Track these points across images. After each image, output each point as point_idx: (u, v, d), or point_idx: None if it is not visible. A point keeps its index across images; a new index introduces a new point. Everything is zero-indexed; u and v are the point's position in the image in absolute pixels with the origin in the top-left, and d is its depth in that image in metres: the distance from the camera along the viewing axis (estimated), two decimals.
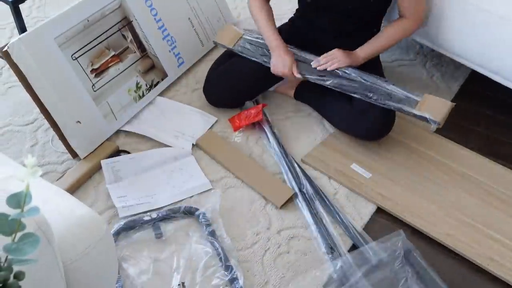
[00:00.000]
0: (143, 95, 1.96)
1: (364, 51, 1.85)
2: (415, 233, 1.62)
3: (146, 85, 1.98)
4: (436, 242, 1.60)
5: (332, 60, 1.82)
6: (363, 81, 1.79)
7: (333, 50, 1.84)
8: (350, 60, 1.82)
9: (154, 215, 1.61)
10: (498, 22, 1.75)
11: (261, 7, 1.92)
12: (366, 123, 1.78)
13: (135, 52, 1.94)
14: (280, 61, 1.83)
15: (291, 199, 1.68)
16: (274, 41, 1.87)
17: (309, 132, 1.92)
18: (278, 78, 1.95)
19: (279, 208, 1.65)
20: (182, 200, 1.68)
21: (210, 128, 1.91)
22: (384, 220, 1.66)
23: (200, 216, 1.61)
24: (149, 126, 1.91)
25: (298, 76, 1.83)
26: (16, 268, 0.67)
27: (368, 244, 1.54)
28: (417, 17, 1.84)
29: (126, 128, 1.90)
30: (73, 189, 1.68)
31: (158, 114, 1.96)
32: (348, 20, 1.84)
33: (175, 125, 1.91)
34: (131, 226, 1.59)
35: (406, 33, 1.86)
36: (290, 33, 1.95)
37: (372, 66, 1.89)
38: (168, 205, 1.65)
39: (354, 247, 1.57)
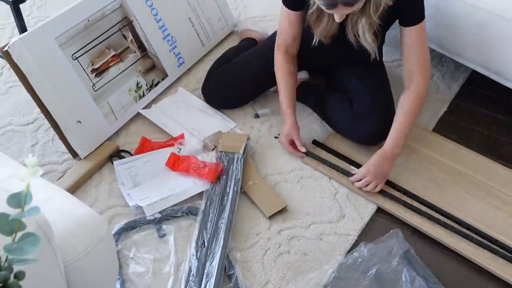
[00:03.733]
0: (144, 95, 1.96)
1: (393, 147, 1.68)
2: (415, 233, 1.62)
3: (147, 85, 1.98)
4: (437, 242, 1.60)
5: (370, 185, 1.67)
6: None
7: (363, 172, 1.68)
8: (385, 171, 1.69)
9: (157, 215, 1.61)
10: (497, 21, 1.75)
11: (282, 65, 1.81)
12: (365, 128, 1.78)
13: (135, 52, 1.95)
14: (285, 132, 1.79)
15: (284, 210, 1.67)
16: (286, 110, 1.80)
17: (309, 133, 1.92)
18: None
19: (267, 217, 1.64)
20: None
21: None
22: (384, 220, 1.66)
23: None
24: (168, 117, 1.93)
25: (302, 149, 1.78)
26: (16, 267, 0.67)
27: (366, 245, 1.54)
28: (426, 72, 1.68)
29: (143, 113, 1.92)
30: (73, 189, 1.68)
31: (182, 107, 1.98)
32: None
33: (194, 122, 1.92)
34: (132, 226, 1.59)
35: (421, 101, 1.70)
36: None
37: (377, 70, 1.88)
38: (172, 205, 1.65)
39: (352, 248, 1.57)
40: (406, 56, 1.69)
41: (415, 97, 1.68)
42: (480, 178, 1.77)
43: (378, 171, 1.67)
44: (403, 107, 1.69)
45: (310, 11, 1.62)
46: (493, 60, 1.84)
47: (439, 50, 2.01)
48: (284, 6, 1.74)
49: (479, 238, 1.59)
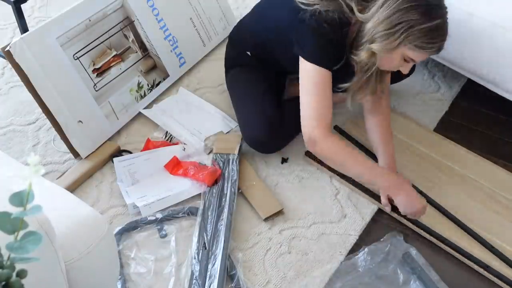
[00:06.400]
0: (145, 95, 1.96)
1: (392, 165, 1.69)
2: (415, 234, 1.62)
3: (148, 85, 1.98)
4: (436, 243, 1.60)
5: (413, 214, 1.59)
6: None
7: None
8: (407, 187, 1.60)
9: (158, 215, 1.61)
10: (494, 30, 1.73)
11: (342, 147, 1.56)
12: None
13: (136, 52, 1.95)
14: (415, 197, 1.57)
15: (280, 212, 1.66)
16: (393, 175, 1.61)
17: None
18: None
19: (263, 220, 1.63)
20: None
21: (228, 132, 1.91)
22: (385, 221, 1.66)
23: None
24: (169, 117, 1.93)
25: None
26: (18, 266, 0.67)
27: (367, 245, 1.54)
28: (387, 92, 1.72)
29: (145, 113, 1.92)
30: (72, 188, 1.68)
31: (183, 107, 1.98)
32: None
33: (195, 122, 1.92)
34: (134, 226, 1.59)
35: (389, 119, 1.74)
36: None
37: None
38: (173, 206, 1.65)
39: (353, 248, 1.57)
40: (388, 78, 1.68)
41: (388, 117, 1.74)
42: (481, 180, 1.76)
43: (409, 199, 1.58)
44: (384, 128, 1.72)
45: (356, 79, 1.51)
46: (490, 70, 1.83)
47: (434, 58, 2.01)
48: (318, 68, 1.44)
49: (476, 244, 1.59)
